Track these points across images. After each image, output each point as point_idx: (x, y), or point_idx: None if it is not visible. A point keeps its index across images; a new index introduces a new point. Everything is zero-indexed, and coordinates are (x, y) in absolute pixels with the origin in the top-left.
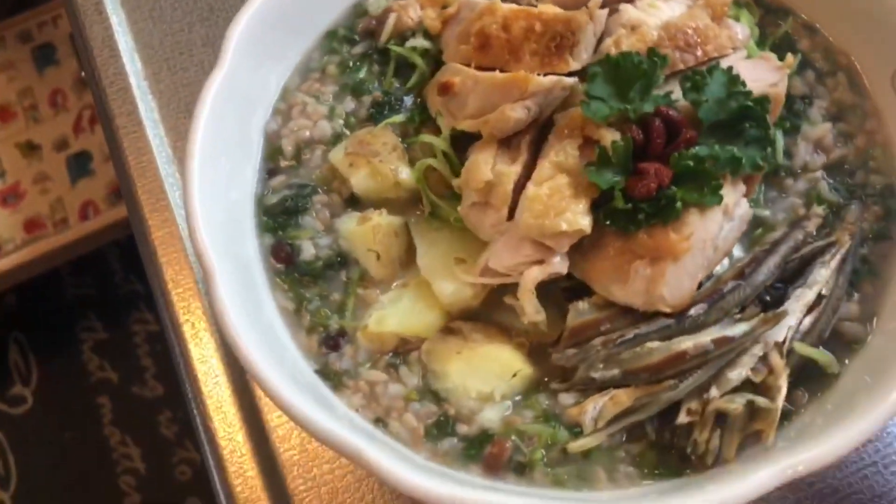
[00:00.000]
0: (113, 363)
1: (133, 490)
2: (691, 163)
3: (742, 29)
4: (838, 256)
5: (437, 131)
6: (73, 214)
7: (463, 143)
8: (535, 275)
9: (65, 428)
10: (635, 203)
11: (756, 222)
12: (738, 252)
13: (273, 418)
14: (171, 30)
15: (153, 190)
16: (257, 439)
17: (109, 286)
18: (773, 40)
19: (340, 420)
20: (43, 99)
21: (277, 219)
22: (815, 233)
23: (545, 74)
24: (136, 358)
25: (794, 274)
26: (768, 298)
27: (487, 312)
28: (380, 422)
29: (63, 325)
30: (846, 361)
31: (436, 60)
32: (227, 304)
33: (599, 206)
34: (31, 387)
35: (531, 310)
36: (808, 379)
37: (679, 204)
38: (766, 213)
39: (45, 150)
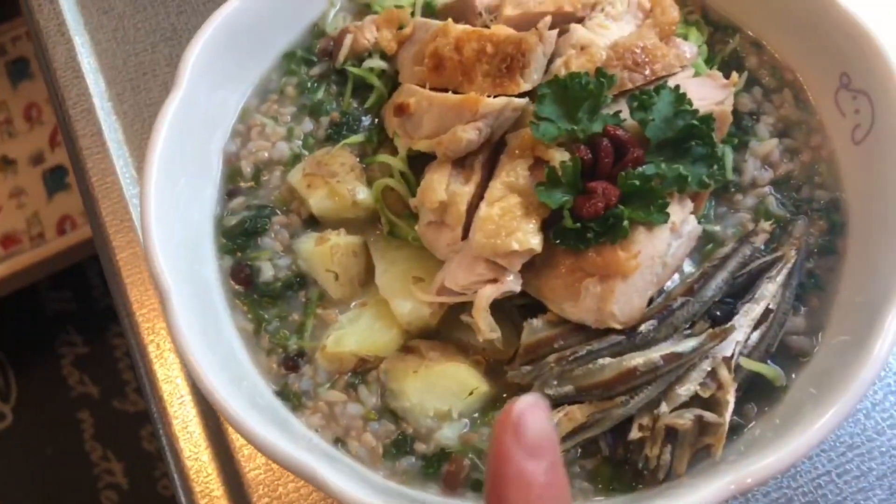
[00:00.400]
0: (93, 377)
1: None
2: (637, 182)
3: (690, 47)
4: (785, 271)
5: (395, 151)
6: (51, 229)
7: (420, 162)
8: (488, 293)
9: (45, 444)
10: (584, 222)
11: (707, 238)
12: (690, 268)
13: (238, 438)
14: (135, 50)
15: (117, 211)
16: (223, 459)
17: (89, 300)
18: (721, 58)
19: (298, 441)
20: (18, 113)
21: (237, 240)
22: (762, 248)
23: (497, 95)
24: (116, 372)
25: (742, 289)
26: (718, 314)
27: (446, 331)
28: (339, 442)
29: (42, 339)
30: (793, 375)
31: (393, 81)
32: (183, 325)
33: (551, 225)
34: (11, 403)
35: (486, 328)
36: (757, 393)
37: (626, 223)
38: (717, 228)
39: (20, 165)
